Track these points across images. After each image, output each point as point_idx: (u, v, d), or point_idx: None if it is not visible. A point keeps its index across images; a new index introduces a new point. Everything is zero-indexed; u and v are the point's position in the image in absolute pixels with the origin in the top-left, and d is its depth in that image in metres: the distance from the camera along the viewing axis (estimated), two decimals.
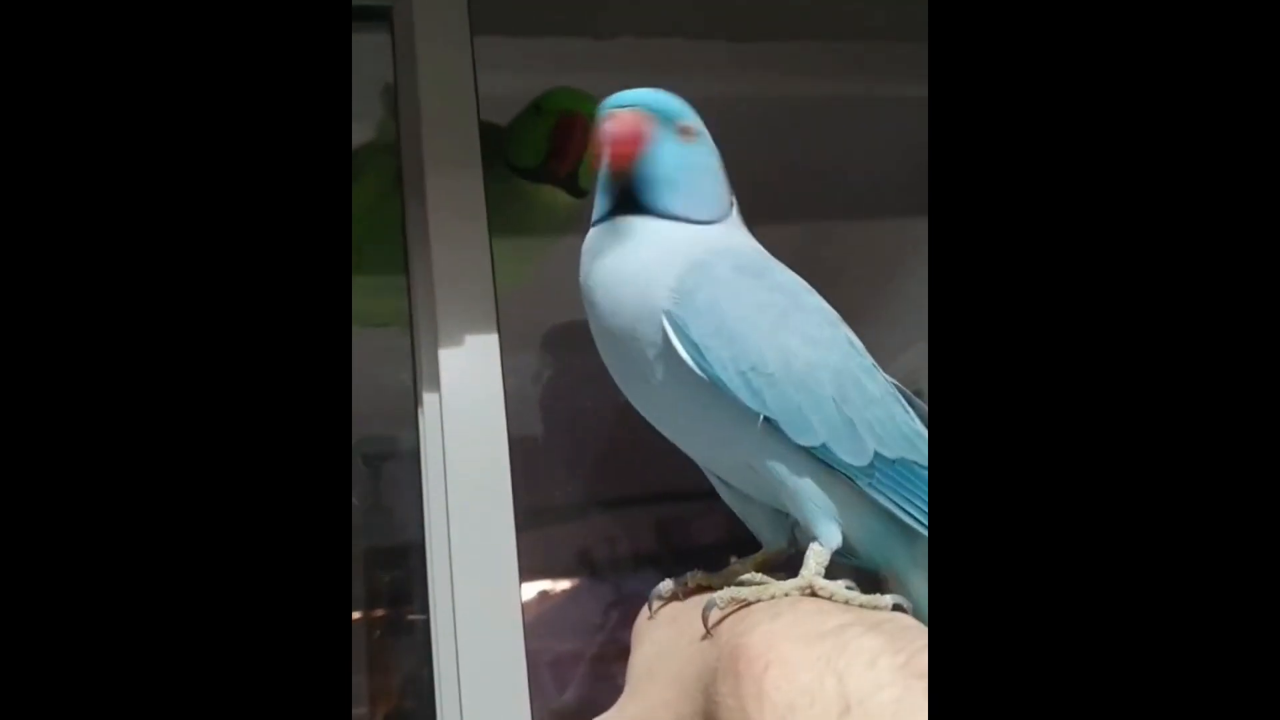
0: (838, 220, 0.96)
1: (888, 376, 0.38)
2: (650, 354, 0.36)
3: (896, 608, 0.31)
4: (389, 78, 0.74)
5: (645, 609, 0.37)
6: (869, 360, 0.37)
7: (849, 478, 0.34)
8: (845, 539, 0.35)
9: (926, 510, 0.35)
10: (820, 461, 0.35)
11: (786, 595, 0.32)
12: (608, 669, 0.93)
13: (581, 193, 0.75)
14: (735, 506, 0.40)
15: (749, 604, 0.32)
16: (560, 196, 0.76)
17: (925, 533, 0.35)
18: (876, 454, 0.35)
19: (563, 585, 1.00)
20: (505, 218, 0.70)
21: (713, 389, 0.34)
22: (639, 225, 0.36)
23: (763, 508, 0.39)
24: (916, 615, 0.34)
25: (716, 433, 0.36)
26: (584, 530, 1.03)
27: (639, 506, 1.05)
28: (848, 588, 0.32)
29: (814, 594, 0.32)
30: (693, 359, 0.34)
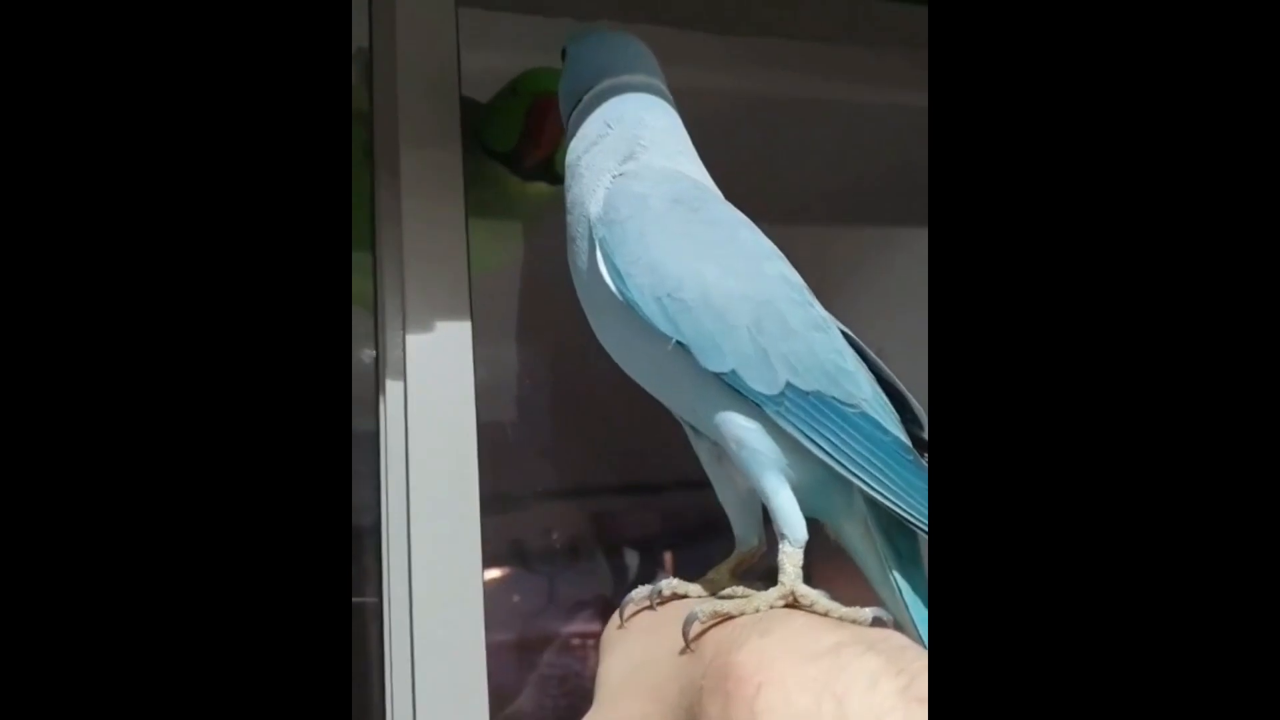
0: (802, 225, 0.96)
1: (831, 318, 0.39)
2: (589, 273, 0.38)
3: (876, 620, 0.32)
4: (364, 42, 0.71)
5: (615, 616, 0.36)
6: (802, 296, 0.38)
7: (759, 406, 0.35)
8: None
9: (837, 444, 0.36)
10: (735, 391, 0.36)
11: (771, 607, 0.32)
12: (538, 659, 0.92)
13: (558, 179, 0.73)
14: (709, 471, 0.40)
15: (731, 617, 0.31)
16: (534, 186, 0.72)
17: (841, 472, 0.36)
18: (789, 384, 0.35)
19: (503, 573, 1.00)
20: (479, 201, 0.68)
21: (633, 311, 0.36)
22: None
23: (733, 484, 0.39)
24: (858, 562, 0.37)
25: (642, 355, 0.38)
26: (523, 521, 1.02)
27: (578, 499, 1.05)
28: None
29: (795, 601, 0.32)
30: (614, 283, 0.37)
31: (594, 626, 1.03)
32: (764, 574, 0.38)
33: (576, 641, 1.02)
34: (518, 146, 0.70)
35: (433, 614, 0.59)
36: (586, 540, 1.04)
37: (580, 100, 0.43)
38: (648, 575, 1.09)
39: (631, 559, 1.06)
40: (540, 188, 0.73)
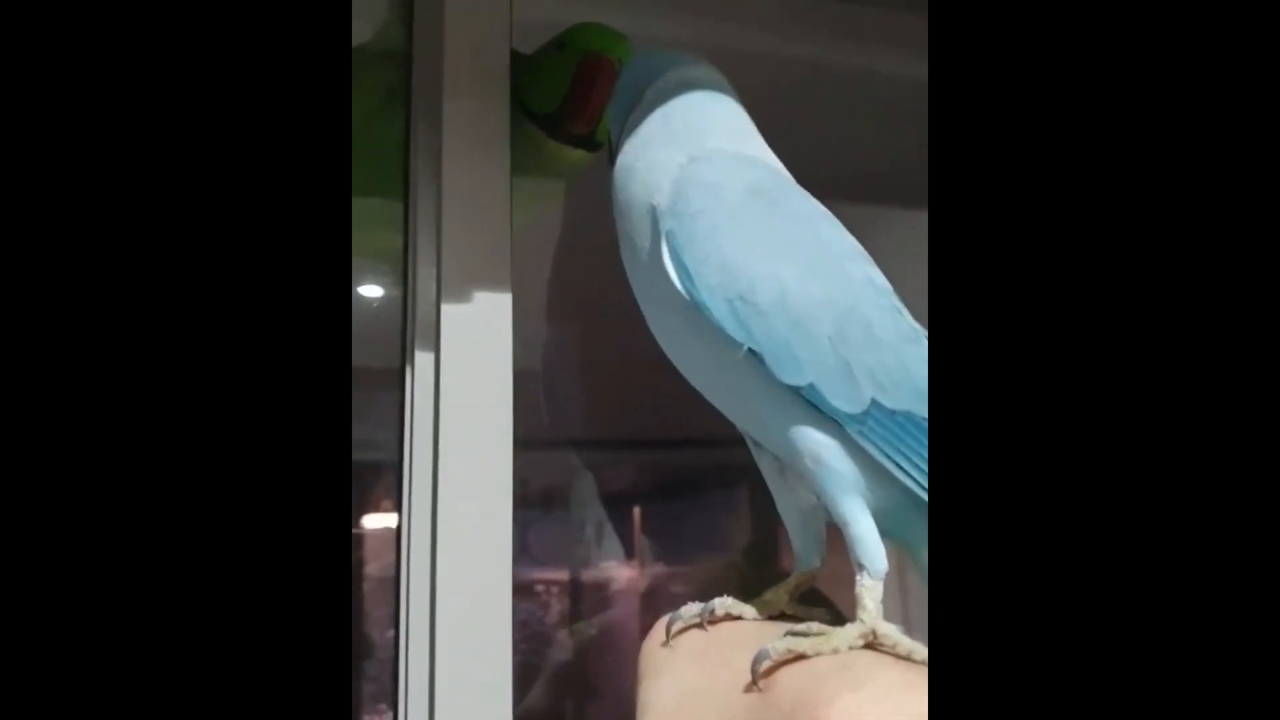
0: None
1: (921, 328, 0.35)
2: (650, 268, 0.35)
3: None
4: None
5: (658, 631, 0.34)
6: (890, 302, 0.35)
7: (838, 424, 0.33)
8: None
9: (926, 470, 0.32)
10: (812, 407, 0.33)
11: (850, 648, 0.30)
12: None
13: (597, 146, 0.67)
14: (770, 483, 0.37)
15: (806, 656, 0.29)
16: (573, 151, 0.67)
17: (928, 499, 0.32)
18: (874, 401, 0.33)
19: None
20: (515, 158, 0.65)
21: (700, 313, 0.33)
22: None
23: (796, 499, 0.36)
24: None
25: (705, 360, 0.35)
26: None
27: (552, 450, 1.06)
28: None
29: (875, 640, 0.30)
30: (682, 282, 0.33)
31: (561, 574, 1.05)
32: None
33: (541, 589, 1.05)
34: (560, 110, 0.65)
35: (461, 545, 0.59)
36: (559, 491, 1.05)
37: (641, 96, 0.40)
38: (619, 528, 1.11)
39: (603, 511, 1.07)
40: (578, 153, 0.68)
